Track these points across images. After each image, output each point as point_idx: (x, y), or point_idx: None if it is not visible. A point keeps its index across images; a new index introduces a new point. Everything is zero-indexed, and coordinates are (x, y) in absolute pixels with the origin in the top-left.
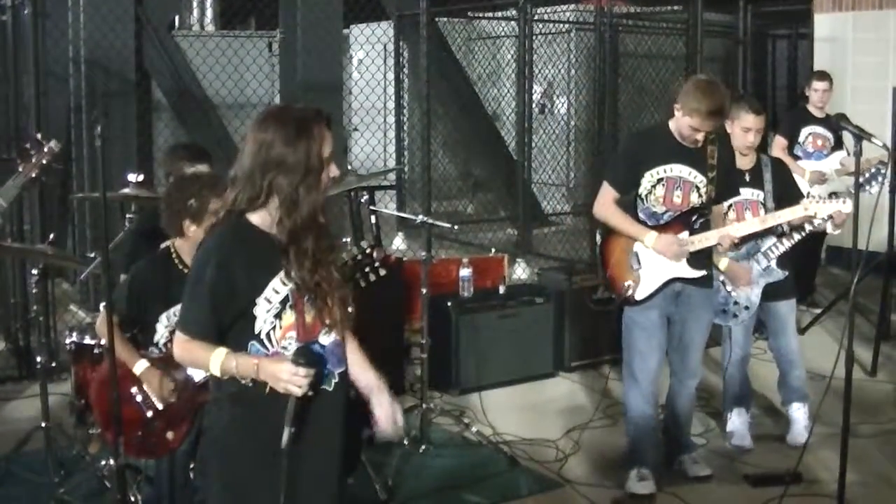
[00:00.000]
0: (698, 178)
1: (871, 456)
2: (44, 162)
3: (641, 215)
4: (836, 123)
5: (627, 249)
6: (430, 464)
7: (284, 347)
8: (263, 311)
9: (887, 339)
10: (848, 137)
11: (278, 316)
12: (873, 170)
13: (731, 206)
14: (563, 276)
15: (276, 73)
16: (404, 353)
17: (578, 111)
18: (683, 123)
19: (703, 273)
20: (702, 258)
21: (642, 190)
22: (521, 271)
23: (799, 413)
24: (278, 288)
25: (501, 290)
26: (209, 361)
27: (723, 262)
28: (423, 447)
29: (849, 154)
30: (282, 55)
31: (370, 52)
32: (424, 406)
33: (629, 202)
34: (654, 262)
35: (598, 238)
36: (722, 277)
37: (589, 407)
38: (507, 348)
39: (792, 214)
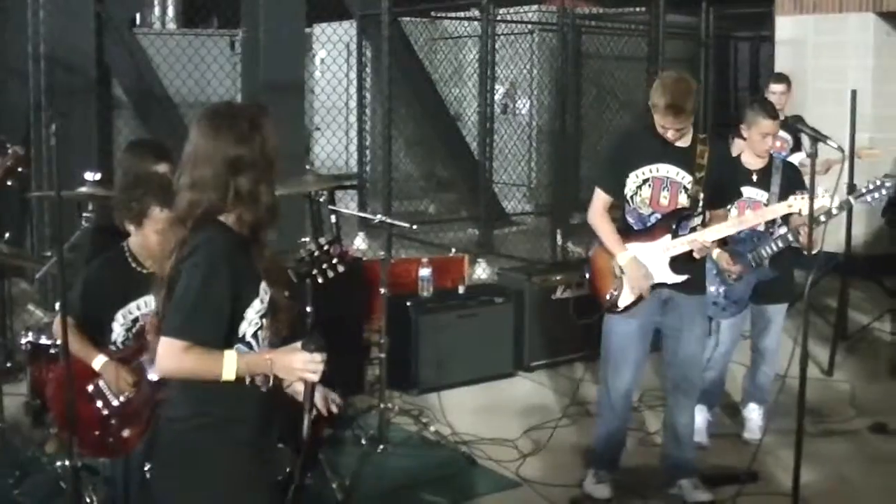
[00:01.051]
0: (686, 179)
1: (828, 454)
2: (8, 164)
3: (629, 218)
4: (792, 125)
5: (611, 257)
6: (389, 463)
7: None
8: (253, 312)
9: (844, 339)
10: (806, 139)
11: (264, 315)
12: (878, 182)
13: (734, 203)
14: (522, 276)
15: (237, 72)
16: (364, 353)
17: (541, 111)
18: (654, 121)
19: (686, 277)
20: (686, 262)
21: (628, 191)
22: (481, 271)
23: (754, 413)
24: (267, 288)
25: (461, 289)
26: (222, 367)
27: (715, 252)
28: (382, 447)
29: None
30: (244, 54)
31: (332, 51)
32: (383, 406)
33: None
34: None
35: (591, 248)
36: (715, 271)
37: (548, 406)
38: (466, 348)
39: (774, 213)
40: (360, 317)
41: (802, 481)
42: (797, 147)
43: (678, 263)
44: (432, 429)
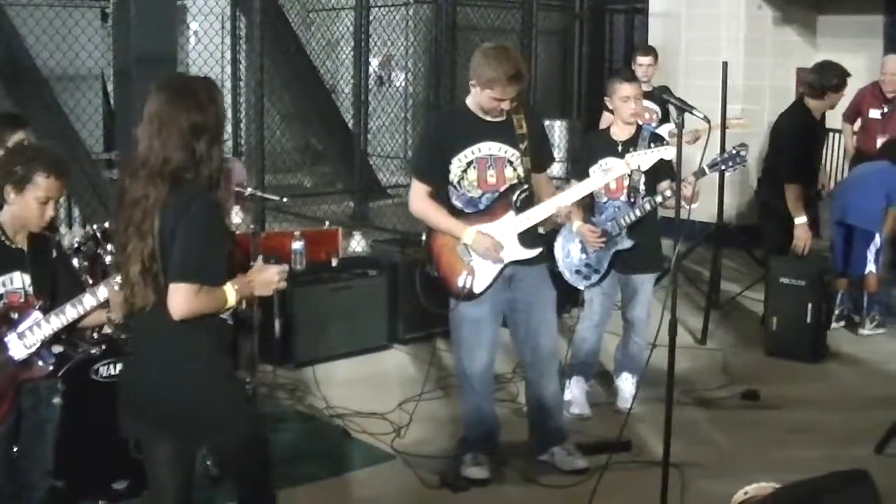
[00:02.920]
0: (510, 153)
1: (699, 422)
2: None
3: (458, 203)
4: (658, 96)
5: (455, 243)
6: None
7: None
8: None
9: (717, 308)
10: (673, 110)
11: None
12: (733, 151)
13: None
14: (396, 248)
15: (108, 44)
16: (236, 328)
17: (416, 83)
18: (484, 97)
19: (538, 250)
20: (534, 236)
21: (453, 177)
22: (356, 244)
23: (626, 383)
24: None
25: (334, 262)
26: (227, 297)
27: (576, 223)
28: None
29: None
30: (115, 25)
31: (203, 23)
32: (256, 380)
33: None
34: None
35: (424, 235)
36: (578, 239)
37: (422, 379)
38: (340, 321)
39: (617, 173)
40: None
41: (673, 449)
42: (666, 118)
43: (526, 238)
44: (306, 402)
